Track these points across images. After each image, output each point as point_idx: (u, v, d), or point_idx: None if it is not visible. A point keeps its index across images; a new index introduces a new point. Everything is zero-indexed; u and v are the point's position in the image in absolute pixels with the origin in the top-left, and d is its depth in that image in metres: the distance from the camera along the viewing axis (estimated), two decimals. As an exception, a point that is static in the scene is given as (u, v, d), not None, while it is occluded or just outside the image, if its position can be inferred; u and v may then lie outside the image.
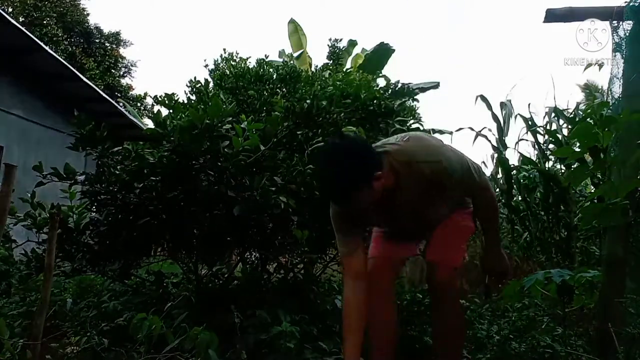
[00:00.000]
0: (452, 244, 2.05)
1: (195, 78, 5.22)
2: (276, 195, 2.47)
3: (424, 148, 1.82)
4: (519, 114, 4.95)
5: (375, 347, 2.09)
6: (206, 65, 6.35)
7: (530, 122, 4.74)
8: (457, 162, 1.81)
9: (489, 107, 5.11)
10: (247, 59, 5.65)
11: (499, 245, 2.10)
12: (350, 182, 1.66)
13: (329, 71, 4.85)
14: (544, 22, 2.81)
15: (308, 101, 2.92)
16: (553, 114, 4.47)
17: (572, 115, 4.38)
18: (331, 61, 7.30)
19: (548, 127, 4.63)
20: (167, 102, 2.71)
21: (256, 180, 2.52)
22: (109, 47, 18.91)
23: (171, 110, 2.72)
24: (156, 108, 2.69)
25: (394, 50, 8.96)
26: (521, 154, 5.16)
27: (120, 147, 2.72)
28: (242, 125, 2.53)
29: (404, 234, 2.16)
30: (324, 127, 3.25)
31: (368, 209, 1.84)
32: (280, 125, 2.76)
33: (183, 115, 2.57)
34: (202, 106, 2.44)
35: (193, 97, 5.04)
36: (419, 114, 4.89)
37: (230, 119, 2.59)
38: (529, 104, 4.84)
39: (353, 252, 1.95)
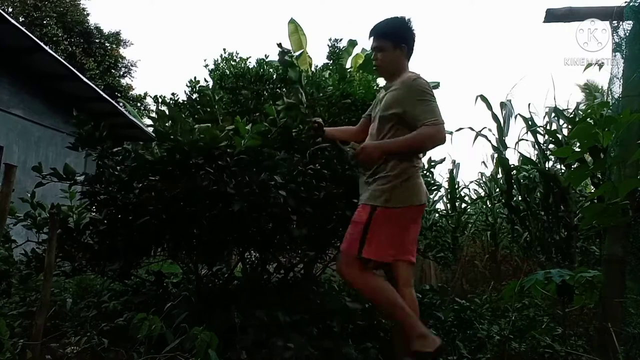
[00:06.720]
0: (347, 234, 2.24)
1: (195, 78, 5.21)
2: (275, 192, 2.46)
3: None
4: (519, 114, 4.93)
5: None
6: (206, 65, 6.32)
7: (530, 122, 4.72)
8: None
9: (489, 107, 5.10)
10: (247, 59, 5.63)
11: (386, 148, 2.23)
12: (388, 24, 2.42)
13: (329, 71, 4.84)
14: (544, 22, 2.81)
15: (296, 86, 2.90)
16: (553, 114, 4.46)
17: (572, 115, 4.37)
18: (331, 61, 7.29)
19: (548, 127, 4.62)
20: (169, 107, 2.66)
21: (255, 175, 2.51)
22: (109, 47, 18.90)
23: (170, 122, 2.70)
24: (154, 107, 2.67)
25: (394, 51, 8.97)
26: (521, 154, 5.15)
27: (120, 148, 2.71)
28: (246, 127, 2.52)
29: None
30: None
31: None
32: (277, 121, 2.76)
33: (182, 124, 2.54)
34: (208, 109, 2.41)
35: (194, 96, 5.01)
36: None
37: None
38: (529, 104, 4.83)
39: None
